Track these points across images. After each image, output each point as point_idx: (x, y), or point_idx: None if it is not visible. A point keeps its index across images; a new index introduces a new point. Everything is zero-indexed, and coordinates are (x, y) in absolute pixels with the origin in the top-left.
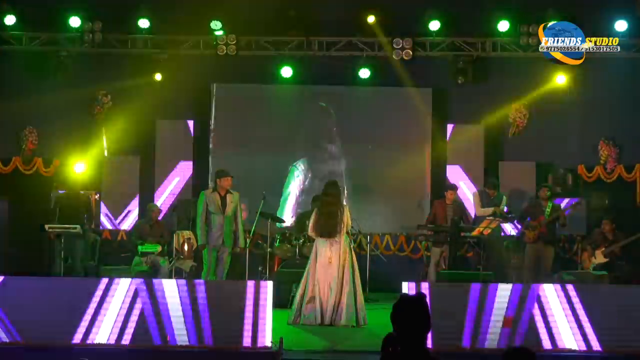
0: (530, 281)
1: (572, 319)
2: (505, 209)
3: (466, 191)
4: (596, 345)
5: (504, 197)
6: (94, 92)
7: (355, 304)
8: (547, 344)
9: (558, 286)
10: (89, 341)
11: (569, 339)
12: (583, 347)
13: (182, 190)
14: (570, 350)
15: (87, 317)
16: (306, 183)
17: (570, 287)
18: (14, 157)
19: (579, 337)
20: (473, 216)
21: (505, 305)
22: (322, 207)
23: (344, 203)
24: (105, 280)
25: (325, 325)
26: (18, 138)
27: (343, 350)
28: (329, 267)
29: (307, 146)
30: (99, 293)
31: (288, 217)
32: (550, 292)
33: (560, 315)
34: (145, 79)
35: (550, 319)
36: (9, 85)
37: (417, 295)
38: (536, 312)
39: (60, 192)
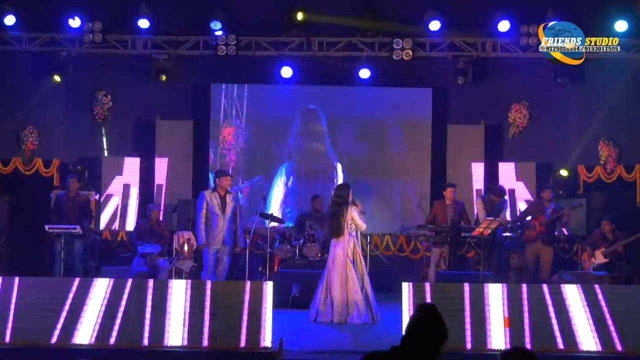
0: (529, 281)
1: (580, 317)
2: (509, 216)
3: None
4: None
5: (507, 202)
6: (94, 92)
7: (367, 301)
8: (555, 344)
9: (558, 286)
10: (85, 342)
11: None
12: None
13: (182, 190)
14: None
15: (85, 317)
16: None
17: (570, 287)
18: (14, 157)
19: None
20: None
21: (506, 305)
22: (329, 208)
23: (354, 204)
24: (105, 280)
25: (338, 323)
26: (18, 138)
27: (347, 351)
28: (336, 266)
29: (305, 147)
30: (97, 293)
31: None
32: (547, 291)
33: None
34: (145, 79)
35: (550, 317)
36: (9, 85)
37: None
38: (535, 312)
39: (60, 192)
